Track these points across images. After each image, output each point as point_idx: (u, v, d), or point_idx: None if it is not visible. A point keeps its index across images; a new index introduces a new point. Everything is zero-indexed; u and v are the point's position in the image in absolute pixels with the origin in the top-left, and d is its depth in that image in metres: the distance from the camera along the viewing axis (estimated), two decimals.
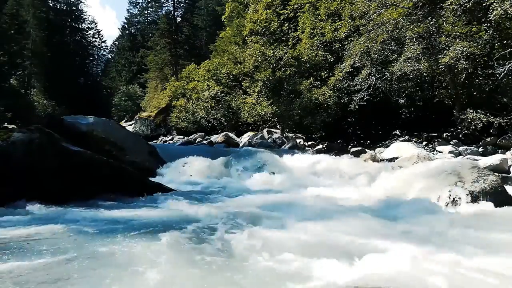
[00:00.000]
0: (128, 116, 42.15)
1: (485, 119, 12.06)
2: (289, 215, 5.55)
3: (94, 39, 55.12)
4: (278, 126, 20.08)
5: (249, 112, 20.14)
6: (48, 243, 3.94)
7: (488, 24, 11.82)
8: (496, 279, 3.13)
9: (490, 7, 11.22)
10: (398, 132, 15.48)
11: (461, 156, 11.30)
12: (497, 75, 11.67)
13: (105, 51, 59.34)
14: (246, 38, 23.67)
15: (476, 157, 10.55)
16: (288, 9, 22.40)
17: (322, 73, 18.05)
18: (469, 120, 12.25)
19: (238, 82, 22.70)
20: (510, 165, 9.50)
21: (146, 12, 55.85)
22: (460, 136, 13.25)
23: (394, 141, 14.13)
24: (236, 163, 10.87)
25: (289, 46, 20.18)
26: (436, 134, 14.17)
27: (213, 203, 6.56)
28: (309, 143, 17.40)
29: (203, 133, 24.25)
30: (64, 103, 34.58)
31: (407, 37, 13.63)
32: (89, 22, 52.87)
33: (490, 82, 12.65)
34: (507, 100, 12.68)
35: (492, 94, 13.01)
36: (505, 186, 6.92)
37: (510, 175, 9.13)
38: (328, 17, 18.37)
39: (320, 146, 16.37)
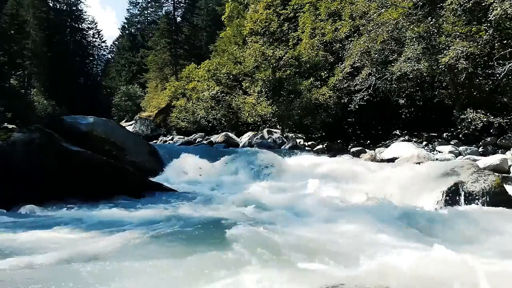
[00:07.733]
0: (128, 116, 42.07)
1: (485, 119, 12.04)
2: (289, 215, 5.55)
3: (94, 39, 55.13)
4: (278, 126, 20.06)
5: (249, 112, 20.12)
6: (47, 244, 3.94)
7: (488, 24, 11.80)
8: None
9: (490, 7, 11.21)
10: (398, 132, 15.47)
11: (461, 156, 11.29)
12: (497, 75, 11.65)
13: (105, 51, 59.34)
14: (246, 38, 23.66)
15: (476, 157, 10.54)
16: (288, 9, 22.39)
17: (322, 73, 18.04)
18: (469, 120, 12.23)
19: (238, 82, 22.66)
20: (510, 165, 9.49)
21: (146, 12, 55.82)
22: (460, 136, 13.23)
23: (394, 141, 14.12)
24: (236, 163, 10.87)
25: (289, 46, 20.16)
26: (436, 134, 14.16)
27: (212, 203, 6.56)
28: (309, 143, 17.39)
29: (203, 133, 24.23)
30: (64, 103, 34.55)
31: (407, 37, 13.61)
32: (89, 22, 52.89)
33: (490, 82, 12.64)
34: (507, 100, 12.66)
35: (492, 94, 13.00)
36: (505, 186, 6.92)
37: (510, 175, 9.12)
38: (328, 17, 18.36)
39: (320, 146, 16.36)
